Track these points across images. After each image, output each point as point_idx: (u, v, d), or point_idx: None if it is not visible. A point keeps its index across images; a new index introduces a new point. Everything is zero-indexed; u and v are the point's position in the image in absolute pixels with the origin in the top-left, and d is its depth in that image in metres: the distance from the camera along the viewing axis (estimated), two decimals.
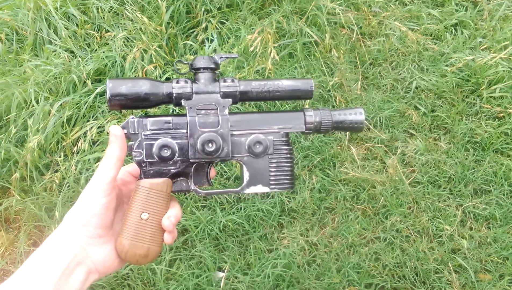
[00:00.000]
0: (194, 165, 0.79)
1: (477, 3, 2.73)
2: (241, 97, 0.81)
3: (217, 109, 0.79)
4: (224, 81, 0.80)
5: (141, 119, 0.78)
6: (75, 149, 2.04)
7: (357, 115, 0.84)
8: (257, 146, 0.79)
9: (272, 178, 0.80)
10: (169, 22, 2.44)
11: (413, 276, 1.84)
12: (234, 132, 0.80)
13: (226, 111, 0.79)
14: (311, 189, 2.07)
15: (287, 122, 0.82)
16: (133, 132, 0.78)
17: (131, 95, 0.77)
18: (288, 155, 0.81)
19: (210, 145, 0.77)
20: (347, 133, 2.21)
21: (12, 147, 2.09)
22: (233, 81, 0.80)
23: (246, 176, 0.80)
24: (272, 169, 0.80)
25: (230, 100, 0.79)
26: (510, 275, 1.82)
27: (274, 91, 0.81)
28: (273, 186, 0.80)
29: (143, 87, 0.77)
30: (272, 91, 0.81)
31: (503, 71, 2.30)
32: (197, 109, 0.78)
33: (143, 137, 0.77)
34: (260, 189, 0.80)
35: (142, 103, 0.77)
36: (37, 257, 0.69)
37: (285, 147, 0.81)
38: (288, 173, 0.81)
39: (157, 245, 0.74)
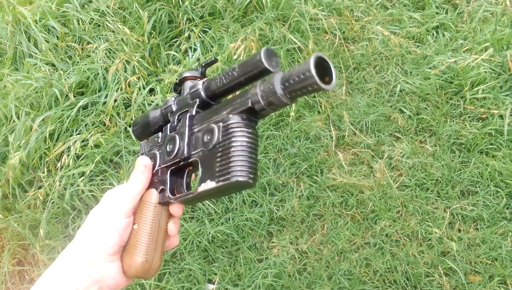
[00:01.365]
0: (169, 172, 0.75)
1: (457, 5, 2.76)
2: (207, 95, 0.72)
3: (187, 112, 0.74)
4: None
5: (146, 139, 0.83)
6: (59, 164, 2.00)
7: (306, 63, 0.56)
8: (208, 137, 0.68)
9: (217, 169, 0.64)
10: (151, 32, 2.42)
11: (404, 281, 1.84)
12: (194, 129, 0.71)
13: (193, 111, 0.73)
14: (299, 196, 2.06)
15: (235, 103, 0.66)
16: (142, 152, 0.82)
17: (142, 123, 0.82)
18: (234, 139, 0.64)
19: (170, 145, 0.73)
20: (333, 137, 2.21)
21: None
22: (197, 79, 0.74)
23: (199, 173, 0.68)
24: (218, 159, 0.65)
25: (196, 100, 0.73)
26: (500, 275, 1.82)
27: (229, 76, 0.67)
28: (217, 179, 0.64)
29: (149, 113, 0.81)
30: (227, 76, 0.68)
31: (485, 72, 2.32)
32: (176, 119, 0.76)
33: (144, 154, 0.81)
34: (208, 185, 0.65)
35: (151, 129, 0.81)
36: (51, 275, 0.69)
37: (233, 130, 0.65)
38: (235, 160, 0.63)
39: (141, 255, 0.73)
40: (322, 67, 0.58)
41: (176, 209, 0.75)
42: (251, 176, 0.63)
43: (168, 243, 0.78)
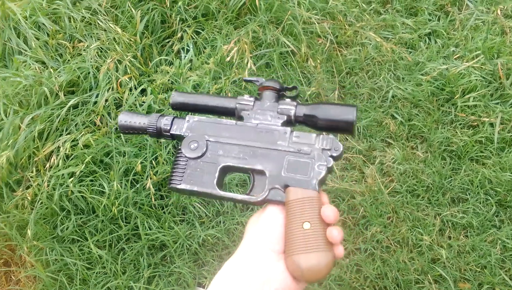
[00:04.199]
0: None
1: (449, 12, 2.78)
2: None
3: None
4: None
5: None
6: (48, 164, 1.96)
7: None
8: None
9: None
10: (143, 32, 2.40)
11: (394, 287, 1.84)
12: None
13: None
14: None
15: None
16: None
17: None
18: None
19: None
20: None
21: None
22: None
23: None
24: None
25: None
26: (489, 283, 1.84)
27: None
28: None
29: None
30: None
31: (476, 80, 2.34)
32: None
33: None
34: None
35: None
36: (225, 278, 0.68)
37: None
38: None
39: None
40: None
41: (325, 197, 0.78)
42: None
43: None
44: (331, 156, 0.75)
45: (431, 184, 2.09)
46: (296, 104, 0.80)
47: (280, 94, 0.83)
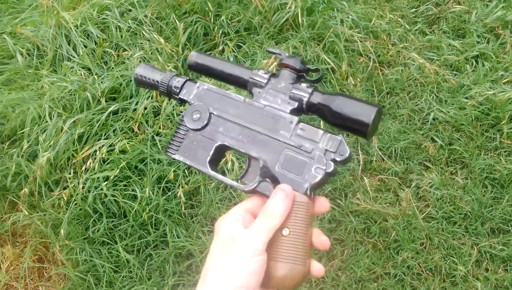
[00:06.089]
0: None
1: (499, 35, 2.67)
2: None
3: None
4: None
5: None
6: (83, 167, 2.03)
7: None
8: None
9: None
10: (186, 43, 2.45)
11: None
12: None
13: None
14: (321, 219, 2.02)
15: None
16: None
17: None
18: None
19: None
20: (360, 161, 2.16)
21: (23, 161, 2.10)
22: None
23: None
24: None
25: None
26: None
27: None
28: None
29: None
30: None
31: None
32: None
33: None
34: None
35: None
36: None
37: None
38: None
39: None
40: None
41: (325, 202, 0.71)
42: None
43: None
44: (334, 160, 0.68)
45: (470, 212, 1.99)
46: (312, 90, 0.73)
47: (299, 75, 0.75)
